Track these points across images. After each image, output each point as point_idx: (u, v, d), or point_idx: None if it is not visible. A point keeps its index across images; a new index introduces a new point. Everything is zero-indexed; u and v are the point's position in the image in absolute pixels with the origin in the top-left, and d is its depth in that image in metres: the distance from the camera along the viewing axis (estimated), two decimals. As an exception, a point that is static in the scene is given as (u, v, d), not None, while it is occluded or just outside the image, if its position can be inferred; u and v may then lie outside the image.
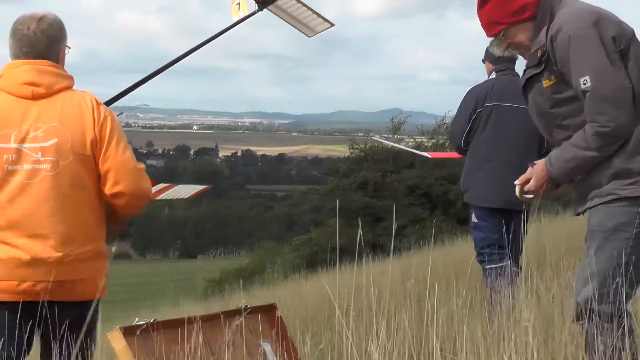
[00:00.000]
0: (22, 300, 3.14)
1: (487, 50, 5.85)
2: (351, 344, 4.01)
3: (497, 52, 5.77)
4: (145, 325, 3.36)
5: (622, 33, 3.20)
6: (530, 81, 3.36)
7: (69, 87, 3.33)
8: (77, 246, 3.20)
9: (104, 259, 3.34)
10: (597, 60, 3.13)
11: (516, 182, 3.44)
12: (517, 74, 5.78)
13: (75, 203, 3.20)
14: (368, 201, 31.84)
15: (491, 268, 5.48)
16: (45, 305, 3.17)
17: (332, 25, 4.54)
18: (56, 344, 3.13)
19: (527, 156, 5.72)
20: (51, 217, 3.16)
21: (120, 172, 3.24)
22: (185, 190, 4.28)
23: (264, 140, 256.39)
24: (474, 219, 5.68)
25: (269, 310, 3.82)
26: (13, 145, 3.17)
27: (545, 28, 3.26)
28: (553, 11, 3.29)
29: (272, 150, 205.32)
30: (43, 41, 3.28)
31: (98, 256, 3.31)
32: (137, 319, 3.39)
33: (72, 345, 3.14)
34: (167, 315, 5.26)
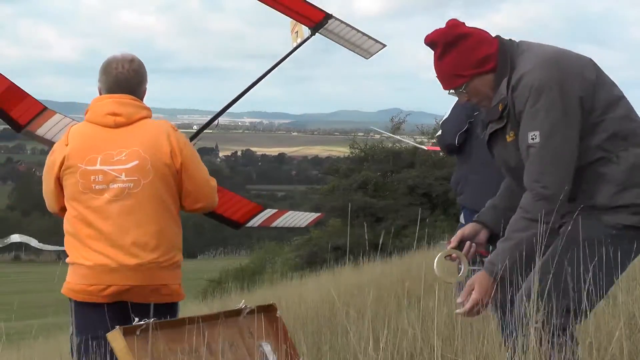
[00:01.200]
0: (108, 302, 3.61)
1: None
2: (352, 344, 4.01)
3: None
4: (145, 325, 3.36)
5: (587, 86, 3.06)
6: (494, 135, 3.23)
7: (148, 117, 3.76)
8: (156, 255, 3.63)
9: (177, 267, 3.76)
10: (553, 117, 2.99)
11: (458, 300, 3.15)
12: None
13: (154, 217, 3.63)
14: (368, 201, 31.85)
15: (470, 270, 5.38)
16: (129, 306, 3.60)
17: (384, 46, 4.70)
18: None
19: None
20: (134, 229, 3.59)
21: (200, 192, 3.75)
22: (300, 218, 4.51)
23: (264, 140, 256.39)
24: (462, 220, 5.65)
25: (269, 310, 3.82)
26: (99, 167, 3.61)
27: (506, 79, 3.12)
28: (513, 59, 3.15)
29: (272, 150, 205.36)
30: (135, 80, 3.76)
31: (174, 265, 3.73)
32: (137, 319, 3.38)
33: None
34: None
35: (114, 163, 3.63)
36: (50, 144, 4.10)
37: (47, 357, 8.79)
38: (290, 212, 4.71)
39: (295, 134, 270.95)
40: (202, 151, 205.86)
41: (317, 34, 4.68)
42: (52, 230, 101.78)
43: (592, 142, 3.05)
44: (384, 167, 34.16)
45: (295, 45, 4.98)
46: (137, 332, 3.34)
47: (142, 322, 3.37)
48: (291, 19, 4.77)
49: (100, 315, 3.60)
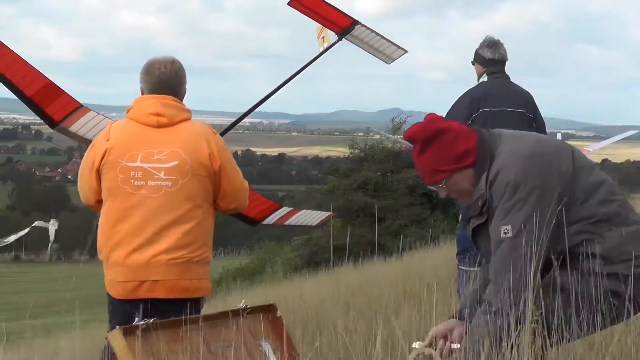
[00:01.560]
0: (141, 297, 3.71)
1: (476, 53, 5.80)
2: (352, 344, 4.01)
3: (488, 54, 5.73)
4: (145, 325, 3.36)
5: (565, 178, 3.07)
6: (477, 229, 3.23)
7: (188, 119, 3.88)
8: (188, 251, 3.74)
9: (206, 264, 3.86)
10: (526, 212, 2.99)
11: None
12: (508, 77, 5.75)
13: (189, 215, 3.74)
14: (368, 201, 31.82)
15: (462, 270, 5.37)
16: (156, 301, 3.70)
17: (406, 51, 4.87)
18: None
19: None
20: (169, 226, 3.70)
21: (236, 194, 3.92)
22: (312, 217, 4.63)
23: (264, 140, 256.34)
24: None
25: (269, 310, 3.82)
26: (139, 164, 3.73)
27: (485, 174, 3.13)
28: (492, 152, 3.17)
29: (272, 150, 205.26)
30: (176, 81, 3.88)
31: (204, 261, 3.85)
32: (137, 319, 3.39)
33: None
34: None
35: (154, 161, 3.74)
36: (83, 140, 4.28)
37: (47, 357, 8.79)
38: (303, 210, 4.82)
39: (295, 134, 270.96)
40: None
41: (342, 39, 4.86)
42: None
43: (575, 229, 3.06)
44: (384, 167, 34.12)
45: (322, 50, 5.16)
46: (137, 332, 3.35)
47: (142, 322, 3.38)
48: (318, 25, 4.93)
49: (134, 310, 3.68)
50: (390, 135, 29.83)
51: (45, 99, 4.02)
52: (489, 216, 3.12)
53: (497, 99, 5.59)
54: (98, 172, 3.80)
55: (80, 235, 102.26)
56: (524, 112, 5.64)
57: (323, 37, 5.09)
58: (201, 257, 3.83)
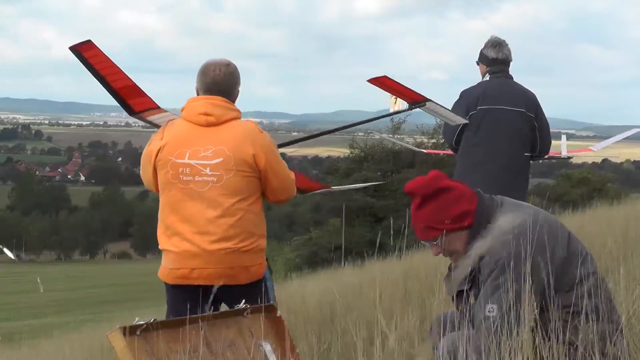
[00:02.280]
0: (193, 284, 3.95)
1: (481, 53, 5.81)
2: (352, 344, 4.01)
3: (491, 53, 5.74)
4: (145, 325, 3.36)
5: (556, 264, 3.08)
6: (460, 293, 3.26)
7: (237, 118, 4.09)
8: (235, 242, 3.95)
9: (259, 251, 4.08)
10: (516, 295, 2.99)
11: None
12: (511, 76, 5.75)
13: (233, 209, 3.96)
14: (368, 201, 31.85)
15: None
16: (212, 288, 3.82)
17: (467, 122, 5.23)
18: None
19: (519, 158, 5.73)
20: (216, 219, 3.93)
21: (283, 187, 4.13)
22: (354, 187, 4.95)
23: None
24: None
25: (269, 310, 3.82)
26: (187, 161, 3.96)
27: (478, 243, 3.14)
28: (490, 219, 3.18)
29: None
30: (229, 83, 4.10)
31: (254, 249, 4.05)
32: (137, 319, 3.39)
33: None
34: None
35: (201, 158, 3.97)
36: (156, 126, 4.53)
37: (47, 357, 8.80)
38: (344, 186, 5.07)
39: (295, 134, 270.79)
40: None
41: (413, 108, 5.24)
42: (52, 231, 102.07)
43: (556, 315, 3.06)
44: (384, 167, 34.17)
45: (392, 111, 5.53)
46: (137, 332, 3.34)
47: (142, 322, 3.37)
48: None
49: (187, 297, 3.94)
50: (391, 137, 29.83)
51: (128, 94, 4.33)
52: (473, 285, 3.16)
53: (495, 97, 5.59)
54: (154, 168, 4.07)
55: (80, 235, 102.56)
56: (524, 111, 5.63)
57: (395, 101, 5.48)
58: (249, 247, 4.02)
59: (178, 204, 3.98)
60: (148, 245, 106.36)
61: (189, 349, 3.43)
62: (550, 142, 5.86)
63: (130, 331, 3.33)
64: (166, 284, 4.10)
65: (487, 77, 5.74)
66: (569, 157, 15.54)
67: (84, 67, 4.22)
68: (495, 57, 5.69)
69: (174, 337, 3.44)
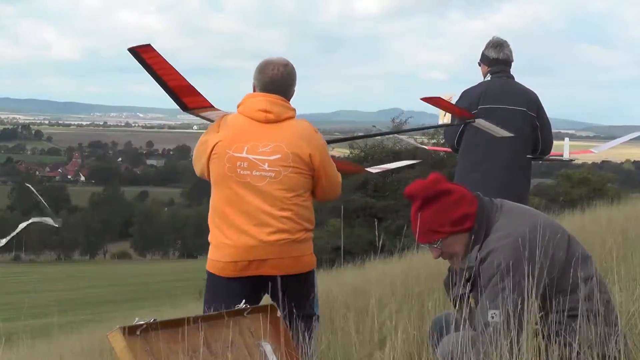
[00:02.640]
0: (251, 275, 4.05)
1: (482, 54, 5.81)
2: (351, 345, 4.01)
3: (492, 54, 5.74)
4: (145, 325, 3.36)
5: (556, 267, 3.10)
6: (461, 295, 3.26)
7: (293, 117, 4.22)
8: (289, 234, 4.07)
9: (310, 240, 4.22)
10: (514, 299, 3.02)
11: None
12: (512, 76, 5.76)
13: (289, 203, 4.08)
14: (368, 201, 31.85)
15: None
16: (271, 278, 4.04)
17: (512, 135, 5.43)
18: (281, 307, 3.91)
19: (520, 157, 5.73)
20: (273, 212, 4.05)
21: (332, 187, 4.28)
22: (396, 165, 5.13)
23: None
24: None
25: (269, 310, 3.82)
26: (245, 155, 4.07)
27: (478, 246, 3.16)
28: (489, 223, 3.20)
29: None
30: (287, 82, 4.22)
31: (306, 239, 4.18)
32: (137, 319, 3.39)
33: (294, 307, 3.97)
34: (167, 315, 5.27)
35: (259, 153, 4.08)
36: (209, 120, 4.67)
37: (47, 357, 8.80)
38: (387, 165, 5.26)
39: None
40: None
41: (462, 122, 5.46)
42: (52, 231, 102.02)
43: (557, 318, 3.08)
44: (384, 167, 34.05)
45: (441, 122, 5.69)
46: (137, 332, 3.34)
47: (142, 322, 3.38)
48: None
49: (244, 289, 4.05)
50: (395, 132, 29.76)
51: (183, 93, 4.44)
52: (473, 289, 3.16)
53: (496, 97, 5.59)
54: (208, 159, 4.15)
55: (80, 235, 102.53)
56: (525, 111, 5.63)
57: (445, 115, 5.67)
58: (302, 238, 4.14)
59: (235, 197, 4.07)
60: (148, 245, 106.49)
61: (188, 349, 3.43)
62: (552, 142, 5.86)
63: (130, 331, 3.33)
64: (218, 278, 4.15)
65: (488, 77, 5.75)
66: (571, 160, 15.49)
67: (142, 67, 4.35)
68: (496, 58, 5.70)
69: (174, 337, 3.44)
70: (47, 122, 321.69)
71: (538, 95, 5.77)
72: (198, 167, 4.27)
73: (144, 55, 4.24)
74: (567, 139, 16.92)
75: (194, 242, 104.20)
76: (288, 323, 3.92)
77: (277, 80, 4.19)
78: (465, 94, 5.74)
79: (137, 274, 63.95)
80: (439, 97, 5.34)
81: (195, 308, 13.36)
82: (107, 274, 66.66)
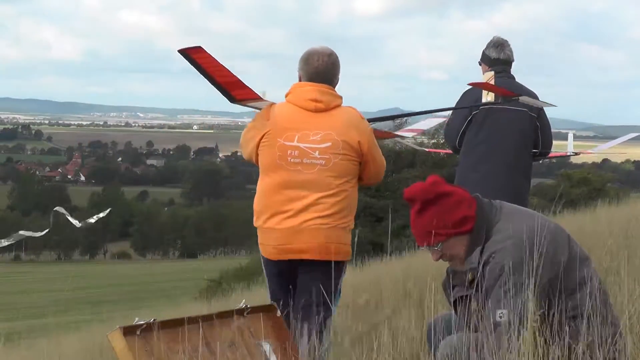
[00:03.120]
0: (294, 258, 4.19)
1: (483, 53, 5.81)
2: (353, 345, 4.01)
3: (493, 54, 5.74)
4: (145, 325, 3.36)
5: (557, 269, 3.11)
6: (460, 299, 3.27)
7: (340, 105, 4.34)
8: (335, 219, 4.19)
9: (350, 231, 4.32)
10: (520, 299, 3.03)
11: None
12: (513, 76, 5.76)
13: (339, 190, 4.21)
14: (368, 201, 31.83)
15: None
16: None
17: (556, 106, 5.65)
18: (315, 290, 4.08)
19: (521, 157, 5.74)
20: (321, 198, 4.17)
21: (379, 172, 4.40)
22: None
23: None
24: None
25: (269, 310, 3.82)
26: (296, 143, 4.20)
27: (479, 248, 3.17)
28: (489, 225, 3.20)
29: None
30: (331, 72, 4.33)
31: (348, 228, 4.30)
32: (137, 319, 3.39)
33: (325, 292, 4.08)
34: (167, 315, 5.27)
35: (310, 142, 4.20)
36: (256, 108, 4.82)
37: (47, 357, 8.79)
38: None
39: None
40: (202, 151, 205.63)
41: (506, 100, 5.52)
42: (52, 230, 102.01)
43: (558, 318, 3.09)
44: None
45: (485, 100, 5.73)
46: (137, 332, 3.34)
47: (142, 322, 3.38)
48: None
49: (286, 269, 4.23)
50: (397, 134, 29.73)
51: (232, 87, 4.65)
52: (476, 291, 3.15)
53: (497, 97, 5.60)
54: (257, 146, 4.29)
55: (80, 235, 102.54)
56: (526, 111, 5.64)
57: (487, 94, 5.72)
58: (346, 224, 4.27)
59: (284, 185, 4.20)
60: (148, 245, 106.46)
61: (188, 349, 3.43)
62: (551, 142, 5.87)
63: (130, 331, 3.33)
64: (269, 260, 4.30)
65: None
66: (576, 154, 15.44)
67: (193, 67, 4.50)
68: (497, 57, 5.70)
69: (174, 337, 3.44)
70: (47, 122, 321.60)
71: (538, 95, 5.78)
72: (246, 151, 4.42)
73: (194, 55, 4.40)
74: (571, 133, 16.90)
75: (193, 242, 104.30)
76: (307, 311, 4.05)
77: (321, 70, 4.30)
78: (468, 93, 5.74)
79: (137, 274, 63.95)
80: (485, 82, 5.54)
81: (196, 308, 13.36)
82: (107, 274, 66.68)
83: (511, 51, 5.77)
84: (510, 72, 5.75)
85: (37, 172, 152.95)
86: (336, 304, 4.40)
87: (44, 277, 64.00)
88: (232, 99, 4.71)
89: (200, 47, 4.35)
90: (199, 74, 4.53)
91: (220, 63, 4.43)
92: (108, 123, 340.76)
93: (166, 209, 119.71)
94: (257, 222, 4.32)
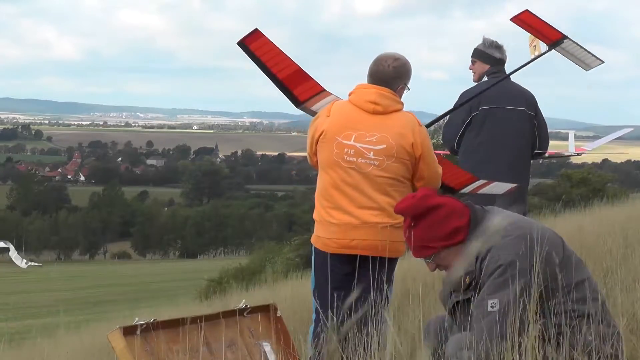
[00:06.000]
0: (351, 253, 4.30)
1: (483, 52, 5.83)
2: (352, 344, 4.01)
3: (497, 54, 5.78)
4: (145, 325, 3.36)
5: (551, 269, 3.11)
6: (457, 305, 3.27)
7: (400, 110, 4.42)
8: (389, 218, 4.28)
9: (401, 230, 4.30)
10: (517, 295, 3.03)
11: None
12: (508, 76, 5.80)
13: (391, 190, 4.33)
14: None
15: None
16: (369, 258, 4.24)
17: (603, 62, 5.51)
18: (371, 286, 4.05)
19: (522, 157, 5.76)
20: (375, 197, 4.30)
21: (432, 177, 4.47)
22: (501, 188, 5.02)
23: (264, 140, 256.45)
24: None
25: (269, 310, 3.82)
26: (352, 143, 4.32)
27: (475, 256, 3.16)
28: (479, 228, 3.21)
29: (272, 150, 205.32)
30: (391, 75, 4.41)
31: (401, 227, 4.12)
32: (137, 319, 3.39)
33: (380, 287, 4.08)
34: (167, 315, 5.27)
35: (366, 142, 4.32)
36: None
37: (47, 357, 8.78)
38: (495, 182, 5.07)
39: (295, 134, 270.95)
40: (202, 151, 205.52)
41: (552, 50, 5.46)
42: (52, 231, 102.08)
43: (552, 321, 3.08)
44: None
45: (532, 57, 5.70)
46: (137, 332, 3.35)
47: (142, 322, 3.38)
48: (530, 35, 5.57)
49: (342, 263, 4.32)
50: None
51: (294, 82, 4.71)
52: (473, 294, 3.15)
53: (496, 97, 5.63)
54: (316, 143, 4.43)
55: (79, 235, 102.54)
56: (525, 110, 5.69)
57: (534, 46, 5.67)
58: (399, 223, 4.21)
59: (341, 181, 4.33)
60: (148, 245, 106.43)
61: (188, 349, 3.43)
62: (548, 141, 5.92)
63: (130, 331, 3.33)
64: (322, 253, 4.40)
65: (485, 78, 5.80)
66: (577, 154, 15.42)
67: (251, 60, 4.58)
68: (500, 58, 5.78)
69: (174, 337, 3.44)
70: (47, 122, 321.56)
71: (537, 95, 5.82)
72: (308, 146, 4.55)
73: (252, 45, 4.48)
74: (572, 133, 16.86)
75: (193, 242, 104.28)
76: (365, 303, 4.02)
77: (382, 74, 4.40)
78: (466, 95, 5.75)
79: (137, 274, 63.90)
80: (527, 11, 5.44)
81: (196, 308, 13.36)
82: (107, 274, 66.67)
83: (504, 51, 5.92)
84: (505, 72, 5.80)
85: (37, 172, 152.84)
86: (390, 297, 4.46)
87: (44, 277, 64.02)
88: (297, 102, 4.80)
89: (257, 30, 4.42)
90: (253, 64, 4.53)
91: (279, 49, 4.52)
92: (108, 123, 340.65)
93: (166, 209, 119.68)
94: (315, 216, 4.47)
